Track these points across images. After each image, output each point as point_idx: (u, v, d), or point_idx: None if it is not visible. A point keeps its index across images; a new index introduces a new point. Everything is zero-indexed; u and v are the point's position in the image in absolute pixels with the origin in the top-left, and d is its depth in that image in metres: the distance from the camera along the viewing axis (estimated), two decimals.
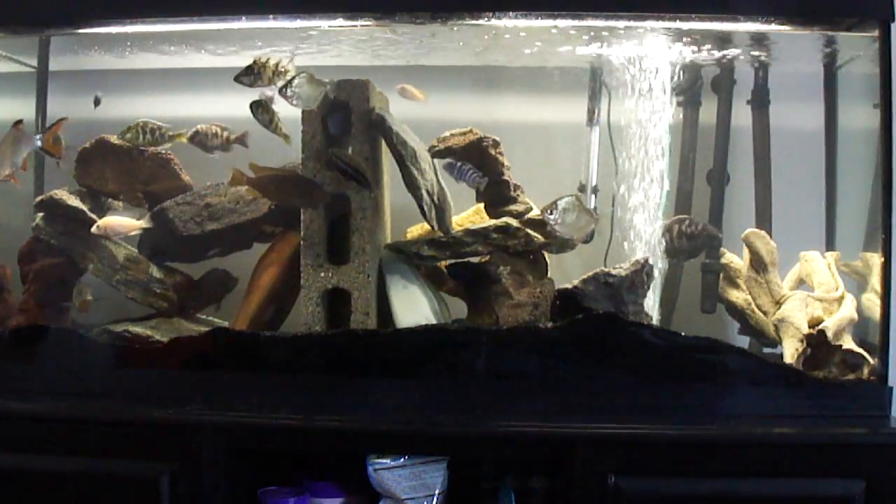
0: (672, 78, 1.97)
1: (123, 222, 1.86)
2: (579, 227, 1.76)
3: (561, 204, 1.71)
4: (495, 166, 1.96)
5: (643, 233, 1.98)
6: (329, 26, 1.78)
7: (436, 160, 1.98)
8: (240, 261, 2.06)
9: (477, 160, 1.89)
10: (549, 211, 1.70)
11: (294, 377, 1.63)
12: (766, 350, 1.95)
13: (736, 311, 1.99)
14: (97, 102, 1.90)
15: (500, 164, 1.97)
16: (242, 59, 1.69)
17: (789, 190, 2.13)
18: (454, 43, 1.96)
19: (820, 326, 1.68)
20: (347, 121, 1.77)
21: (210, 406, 1.55)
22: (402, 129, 1.82)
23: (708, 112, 2.16)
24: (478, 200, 2.05)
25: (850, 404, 1.50)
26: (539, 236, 1.89)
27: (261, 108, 1.69)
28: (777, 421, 1.49)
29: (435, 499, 1.58)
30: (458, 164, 1.87)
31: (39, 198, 1.92)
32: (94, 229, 1.83)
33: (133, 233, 1.89)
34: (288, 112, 1.73)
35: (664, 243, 1.94)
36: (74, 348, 1.69)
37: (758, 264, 1.92)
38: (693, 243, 1.97)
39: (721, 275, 2.01)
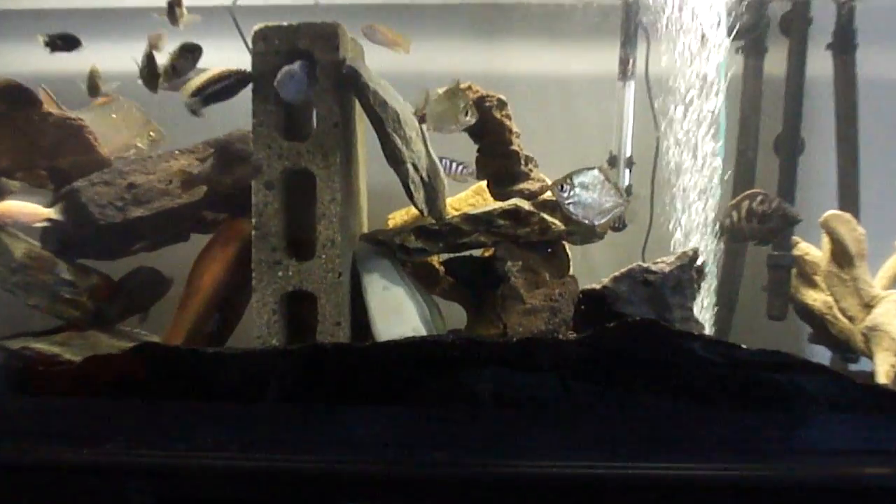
0: (729, 16, 1.97)
1: (22, 209, 1.85)
2: (603, 208, 1.75)
3: (578, 178, 1.70)
4: (501, 133, 1.95)
5: (692, 216, 2.00)
6: None
7: (425, 126, 1.97)
8: (174, 257, 2.06)
9: (478, 125, 1.89)
10: (561, 187, 1.70)
11: (246, 406, 1.62)
12: (852, 367, 1.96)
13: (812, 317, 1.98)
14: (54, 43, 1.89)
15: (508, 130, 1.97)
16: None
17: (882, 161, 2.13)
18: None
19: None
20: (309, 79, 1.75)
21: (137, 444, 1.57)
22: (382, 86, 1.82)
23: (776, 60, 2.16)
24: (479, 177, 2.06)
25: None
26: (557, 223, 1.89)
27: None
28: (868, 458, 1.48)
29: None
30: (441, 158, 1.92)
31: None
32: None
33: (36, 223, 1.88)
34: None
35: (726, 225, 1.94)
36: None
37: (841, 256, 1.91)
38: (765, 226, 1.97)
39: (793, 270, 2.03)
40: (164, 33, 1.84)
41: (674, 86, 2.06)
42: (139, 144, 2.05)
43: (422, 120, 1.96)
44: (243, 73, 1.75)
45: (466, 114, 1.80)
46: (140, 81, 1.83)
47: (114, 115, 2.01)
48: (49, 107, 1.96)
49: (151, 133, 2.05)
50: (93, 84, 1.94)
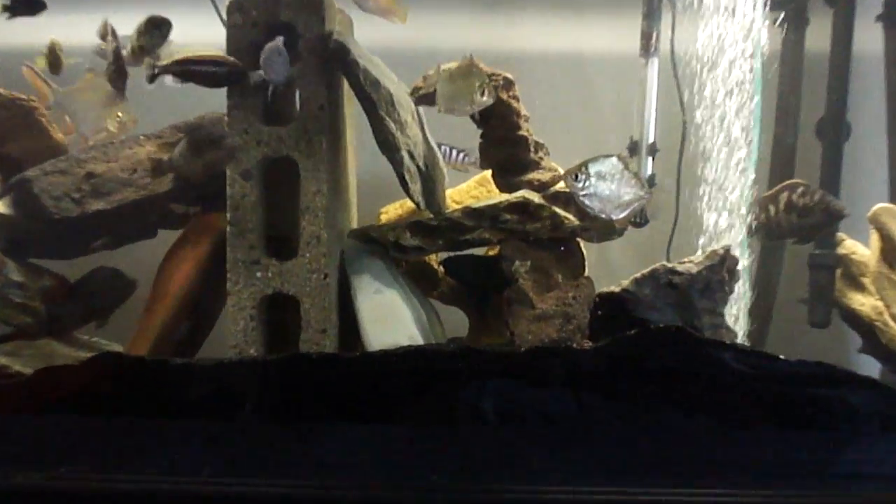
0: None
1: None
2: (622, 200, 1.75)
3: (594, 167, 1.70)
4: (508, 117, 1.95)
5: (724, 210, 1.99)
6: None
7: (422, 108, 1.97)
8: (139, 255, 2.06)
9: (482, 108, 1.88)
10: (575, 176, 1.69)
11: (219, 424, 1.61)
12: None
13: (860, 324, 1.98)
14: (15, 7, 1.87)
15: (515, 113, 1.97)
16: None
17: None
18: None
19: None
20: (290, 56, 1.74)
21: (96, 467, 1.56)
22: (373, 63, 1.81)
23: (818, 33, 2.17)
24: (482, 166, 2.06)
25: None
26: (571, 217, 1.89)
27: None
28: None
29: None
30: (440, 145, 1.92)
31: None
32: None
33: None
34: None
35: (762, 220, 1.94)
36: None
37: (892, 255, 1.93)
38: (806, 221, 1.99)
39: (838, 271, 2.03)
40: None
41: (703, 63, 2.04)
42: (109, 128, 2.03)
43: (419, 102, 1.96)
44: (238, 69, 1.73)
45: (483, 93, 1.79)
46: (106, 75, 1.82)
47: (91, 94, 1.99)
48: (37, 85, 1.96)
49: (119, 115, 2.03)
50: (55, 59, 1.93)
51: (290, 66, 1.73)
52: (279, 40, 1.71)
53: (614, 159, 1.72)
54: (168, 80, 1.71)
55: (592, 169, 1.70)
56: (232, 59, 1.74)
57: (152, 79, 1.71)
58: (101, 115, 1.98)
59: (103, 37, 1.80)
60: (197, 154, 1.90)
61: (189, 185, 1.96)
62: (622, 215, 1.79)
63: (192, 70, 1.71)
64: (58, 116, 2.04)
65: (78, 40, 1.93)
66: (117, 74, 1.82)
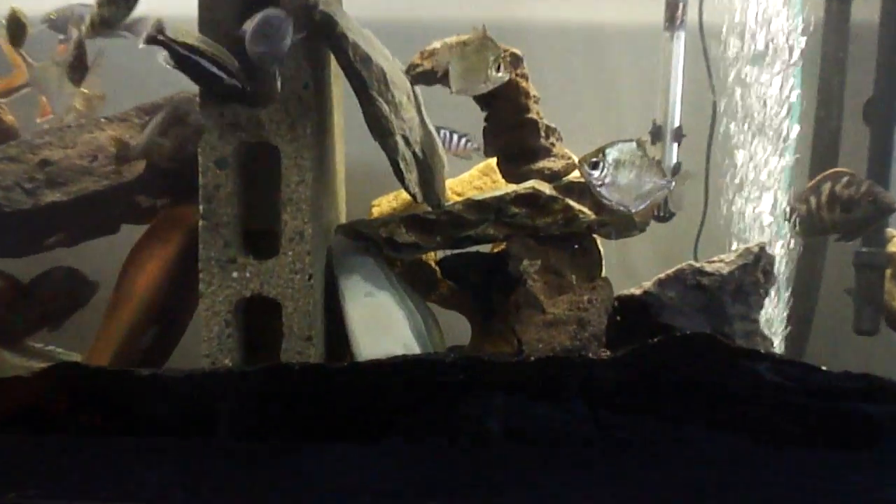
0: None
1: None
2: (643, 191, 1.75)
3: (611, 153, 1.70)
4: (515, 97, 1.95)
5: (758, 203, 2.00)
6: None
7: (420, 88, 1.97)
8: (100, 253, 2.06)
9: None
10: (591, 164, 1.70)
11: (191, 443, 1.62)
12: None
13: None
14: None
15: (524, 93, 1.97)
16: None
17: None
18: None
19: None
20: (282, 30, 1.71)
21: (51, 494, 1.55)
22: (364, 37, 1.81)
23: (866, 4, 2.16)
24: (487, 153, 2.06)
25: None
26: (586, 211, 1.89)
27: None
28: None
29: None
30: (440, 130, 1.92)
31: None
32: None
33: None
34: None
35: (801, 214, 1.93)
36: None
37: None
38: (851, 215, 1.98)
39: (888, 271, 2.03)
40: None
41: (734, 38, 2.04)
42: (77, 106, 2.03)
43: (416, 81, 1.95)
44: (239, 75, 1.70)
45: (498, 68, 1.79)
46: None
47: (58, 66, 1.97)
48: (15, 61, 1.95)
49: (85, 91, 2.02)
50: (17, 31, 1.91)
51: (287, 41, 1.69)
52: (276, 10, 1.69)
53: (633, 144, 1.72)
54: (161, 57, 1.66)
55: (610, 156, 1.70)
56: (240, 71, 1.71)
57: (152, 41, 1.65)
58: (74, 93, 1.97)
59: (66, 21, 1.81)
60: (167, 137, 1.90)
61: (158, 174, 1.96)
62: (642, 207, 1.78)
63: (199, 64, 1.67)
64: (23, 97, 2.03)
65: (40, 8, 1.93)
66: (77, 64, 1.82)
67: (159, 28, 1.64)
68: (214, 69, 1.68)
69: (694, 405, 1.62)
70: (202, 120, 1.76)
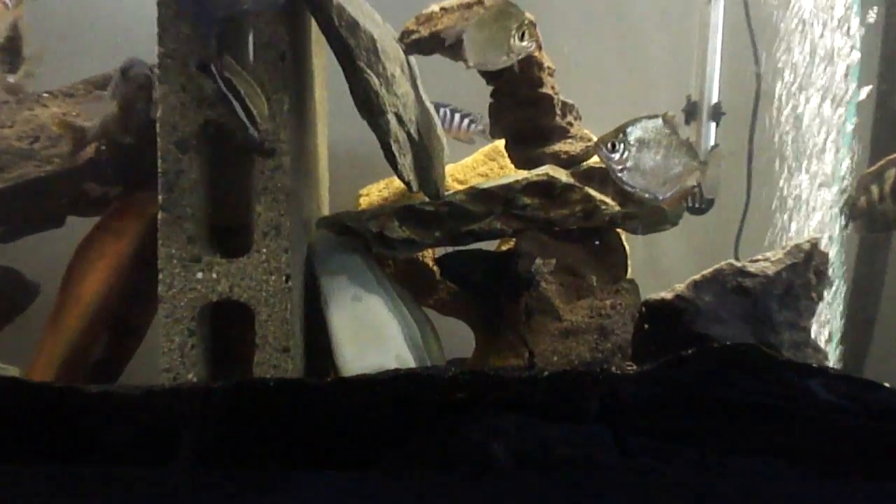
0: None
1: None
2: (671, 174, 1.75)
3: (633, 132, 1.70)
4: (528, 69, 1.96)
5: (810, 192, 1.99)
6: None
7: (415, 59, 1.97)
8: (43, 251, 2.06)
9: None
10: (612, 145, 1.70)
11: (148, 471, 1.62)
12: None
13: None
14: None
15: (537, 64, 1.97)
16: None
17: None
18: None
19: None
20: None
21: None
22: (351, 0, 1.82)
23: None
24: (493, 135, 2.07)
25: None
26: (609, 201, 1.90)
27: None
28: None
29: None
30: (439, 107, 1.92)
31: None
32: None
33: None
34: None
35: (860, 206, 1.93)
36: None
37: None
38: None
39: None
40: None
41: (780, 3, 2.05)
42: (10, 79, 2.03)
43: (411, 50, 1.95)
44: (260, 127, 1.73)
45: (522, 36, 1.78)
46: None
47: None
48: None
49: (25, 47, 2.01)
50: None
51: None
52: None
53: (659, 121, 1.71)
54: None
55: (632, 135, 1.69)
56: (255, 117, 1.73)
57: (201, 68, 1.71)
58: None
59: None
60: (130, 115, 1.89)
61: (112, 157, 1.95)
62: (671, 194, 1.78)
63: (231, 104, 1.70)
64: None
65: None
66: (11, 53, 1.82)
67: (212, 55, 1.69)
68: (242, 115, 1.70)
69: (735, 429, 1.61)
70: (145, 71, 1.75)
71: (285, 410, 1.65)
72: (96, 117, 1.94)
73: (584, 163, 1.95)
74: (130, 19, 1.78)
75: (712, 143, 2.13)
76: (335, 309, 1.82)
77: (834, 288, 1.89)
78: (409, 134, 1.83)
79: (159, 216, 1.77)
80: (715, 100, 2.13)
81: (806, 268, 1.80)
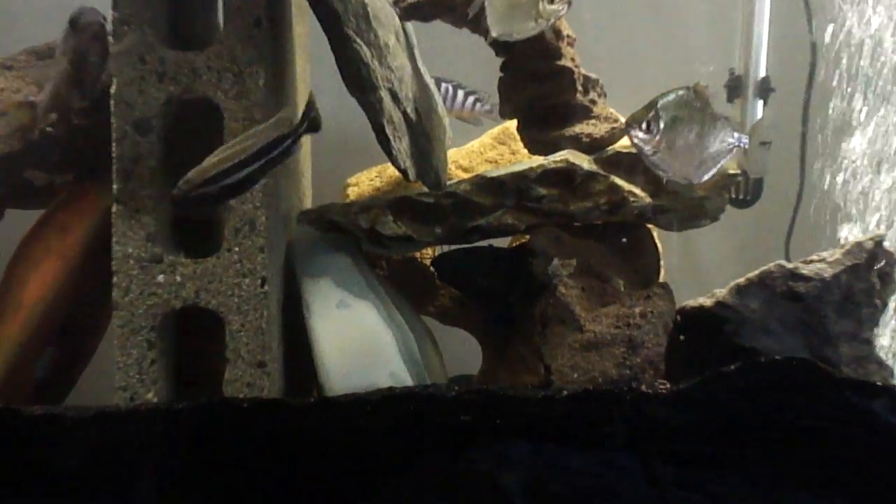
0: None
1: None
2: (708, 153, 1.76)
3: (667, 109, 1.70)
4: (541, 39, 1.95)
5: (876, 182, 2.00)
6: None
7: (413, 26, 1.99)
8: None
9: None
10: (646, 125, 1.70)
11: None
12: None
13: None
14: None
15: (555, 33, 1.97)
16: None
17: None
18: None
19: None
20: None
21: None
22: None
23: None
24: (503, 114, 2.06)
25: None
26: (638, 192, 1.90)
27: None
28: None
29: None
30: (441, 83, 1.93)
31: None
32: None
33: None
34: None
35: None
36: None
37: None
38: None
39: None
40: None
41: None
42: None
43: (408, 16, 1.95)
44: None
45: (551, 0, 1.78)
46: None
47: None
48: None
49: None
50: None
51: None
52: None
53: (692, 93, 1.71)
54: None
55: (664, 111, 1.69)
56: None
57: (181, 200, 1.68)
58: None
59: None
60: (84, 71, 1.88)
61: (65, 139, 1.95)
62: (707, 176, 1.78)
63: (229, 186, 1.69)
64: None
65: None
66: None
67: (190, 186, 1.65)
68: (241, 176, 1.68)
69: (785, 457, 1.62)
70: (99, 19, 1.75)
71: (261, 435, 1.65)
72: (46, 86, 1.94)
73: (610, 147, 1.93)
74: None
75: (757, 120, 2.13)
76: (318, 317, 1.82)
77: None
78: (405, 114, 1.83)
79: (113, 209, 1.77)
80: (763, 73, 2.13)
81: (869, 270, 1.80)
